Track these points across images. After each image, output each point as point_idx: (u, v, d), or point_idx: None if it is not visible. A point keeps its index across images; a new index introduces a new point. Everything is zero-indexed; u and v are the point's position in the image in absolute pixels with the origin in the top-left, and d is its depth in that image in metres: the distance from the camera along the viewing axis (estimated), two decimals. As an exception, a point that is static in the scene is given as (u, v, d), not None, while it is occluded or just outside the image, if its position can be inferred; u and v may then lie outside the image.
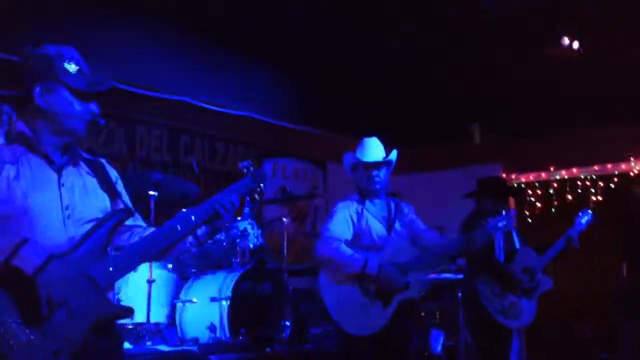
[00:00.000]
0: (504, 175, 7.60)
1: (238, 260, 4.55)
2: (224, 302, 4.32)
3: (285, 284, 4.69)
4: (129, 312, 2.04)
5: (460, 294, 5.36)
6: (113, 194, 2.15)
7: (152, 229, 2.20)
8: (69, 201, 2.01)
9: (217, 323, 4.26)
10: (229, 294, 4.61)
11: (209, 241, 2.27)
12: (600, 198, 6.98)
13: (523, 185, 7.55)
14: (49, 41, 2.10)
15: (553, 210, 7.17)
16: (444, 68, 5.21)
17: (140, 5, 3.93)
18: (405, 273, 3.41)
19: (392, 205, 3.69)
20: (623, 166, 6.91)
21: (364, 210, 3.55)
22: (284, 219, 5.42)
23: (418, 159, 7.24)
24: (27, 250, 1.85)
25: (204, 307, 4.29)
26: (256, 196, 2.28)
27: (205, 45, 4.66)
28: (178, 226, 2.08)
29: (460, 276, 5.47)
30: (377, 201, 3.64)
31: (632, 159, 6.81)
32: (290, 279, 4.91)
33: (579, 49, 4.54)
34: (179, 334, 4.35)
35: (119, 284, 4.37)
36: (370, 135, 3.77)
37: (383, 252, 3.48)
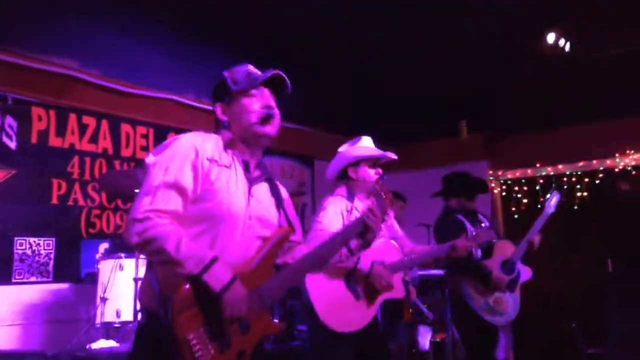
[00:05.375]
0: (490, 172, 7.65)
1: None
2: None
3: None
4: (282, 330, 2.15)
5: (447, 291, 5.37)
6: (281, 214, 2.25)
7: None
8: (253, 213, 2.11)
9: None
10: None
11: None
12: (585, 194, 7.04)
13: (509, 182, 7.60)
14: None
15: (539, 206, 7.21)
16: (430, 66, 5.21)
17: (126, 1, 3.89)
18: (392, 273, 3.39)
19: None
20: (608, 162, 6.98)
21: (354, 209, 3.47)
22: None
23: (404, 157, 7.23)
24: (217, 267, 1.90)
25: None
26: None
27: (191, 42, 4.62)
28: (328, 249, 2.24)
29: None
30: (365, 201, 3.56)
31: (617, 155, 6.88)
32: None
33: (564, 46, 4.56)
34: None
35: (105, 282, 4.35)
36: (358, 133, 3.73)
37: (370, 251, 3.33)
